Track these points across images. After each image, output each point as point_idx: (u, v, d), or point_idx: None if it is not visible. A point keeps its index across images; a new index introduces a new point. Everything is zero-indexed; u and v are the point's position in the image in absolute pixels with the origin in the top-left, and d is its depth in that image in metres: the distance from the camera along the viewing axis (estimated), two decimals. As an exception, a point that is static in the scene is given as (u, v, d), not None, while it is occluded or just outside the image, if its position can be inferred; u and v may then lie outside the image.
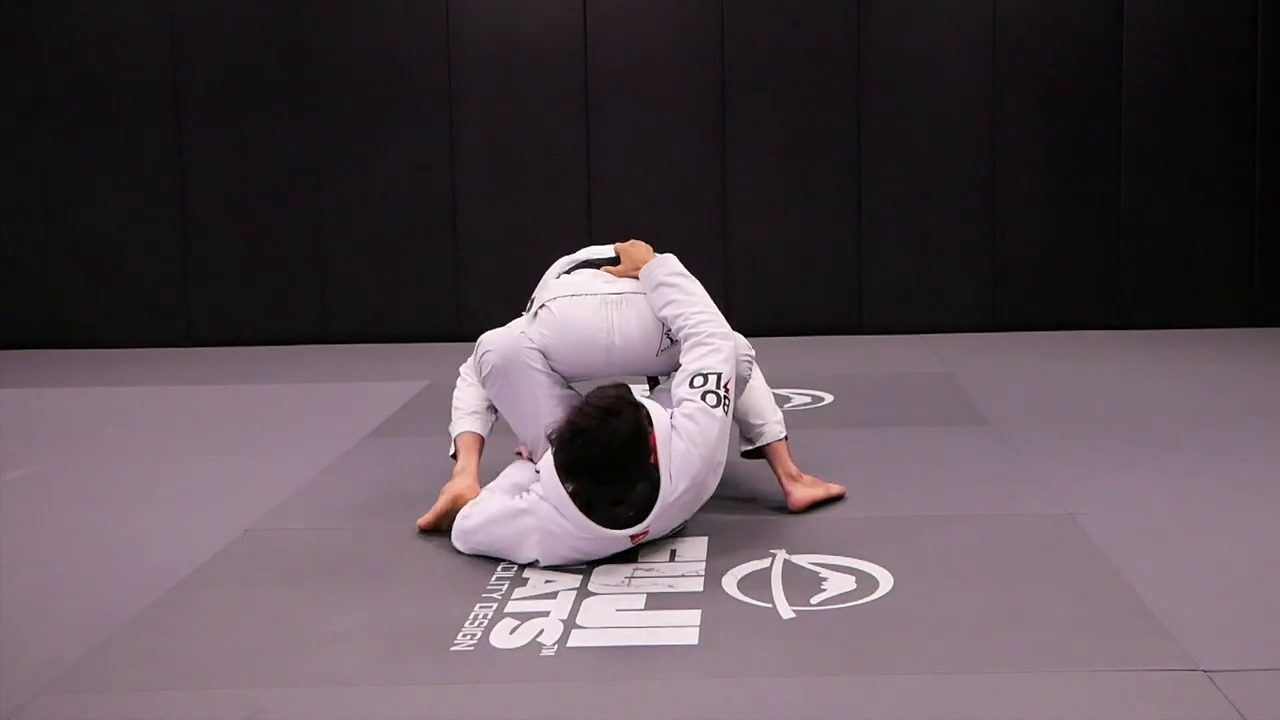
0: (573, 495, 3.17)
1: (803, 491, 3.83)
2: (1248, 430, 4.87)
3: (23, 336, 7.56)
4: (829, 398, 5.64)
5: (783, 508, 3.82)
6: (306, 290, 7.57)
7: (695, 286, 3.65)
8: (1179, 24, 7.32)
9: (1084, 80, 7.37)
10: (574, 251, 4.07)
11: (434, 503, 3.69)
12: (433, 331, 7.47)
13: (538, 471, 3.38)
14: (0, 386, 6.37)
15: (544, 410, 3.64)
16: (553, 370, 3.71)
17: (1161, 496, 3.97)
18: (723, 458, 3.41)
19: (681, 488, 3.27)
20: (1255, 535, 3.57)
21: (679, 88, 7.41)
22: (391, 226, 7.53)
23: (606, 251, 3.94)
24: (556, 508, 3.22)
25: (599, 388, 3.31)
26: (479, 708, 2.56)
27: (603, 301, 3.63)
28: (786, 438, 3.86)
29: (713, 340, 3.49)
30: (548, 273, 3.98)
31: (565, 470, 3.17)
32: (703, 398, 3.36)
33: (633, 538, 3.26)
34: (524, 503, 3.33)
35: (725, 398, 3.38)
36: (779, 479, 3.84)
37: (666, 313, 3.60)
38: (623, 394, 3.25)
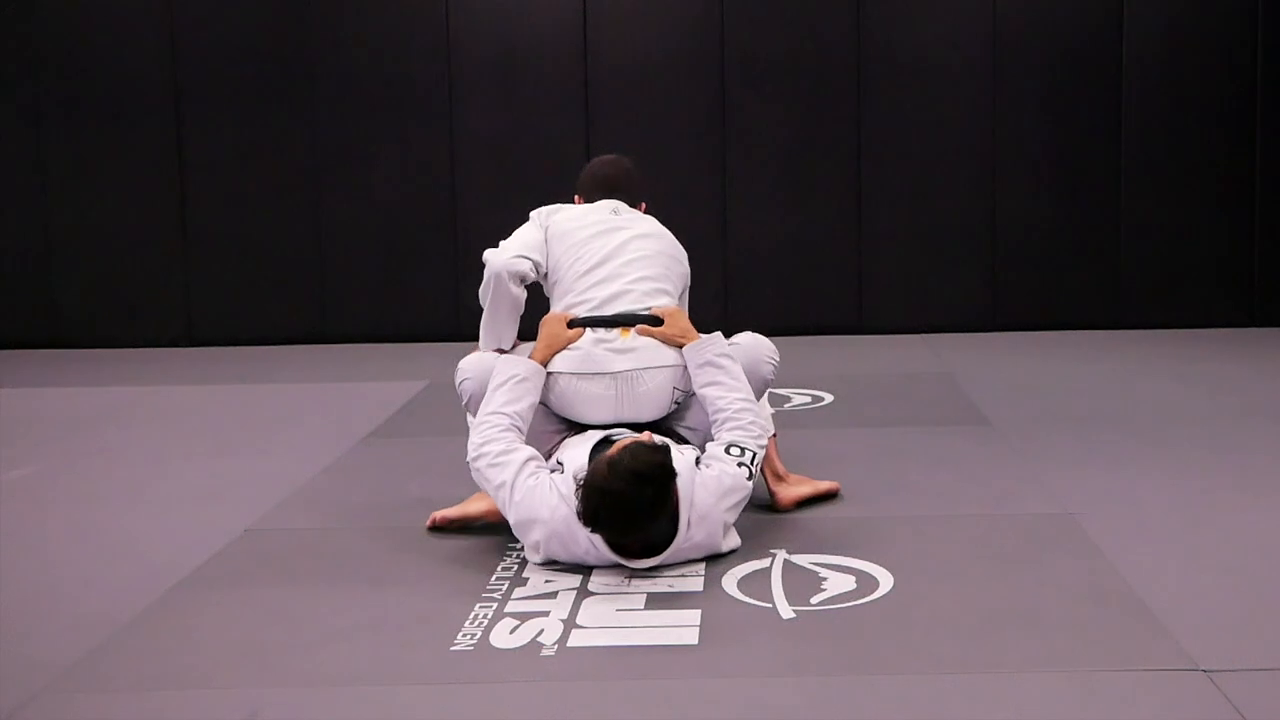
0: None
1: (788, 491, 3.84)
2: (1247, 430, 4.88)
3: (23, 337, 7.56)
4: (829, 397, 5.64)
5: (790, 508, 3.82)
6: (306, 290, 7.57)
7: (739, 370, 3.63)
8: (1179, 24, 7.32)
9: (1084, 80, 7.37)
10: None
11: (437, 501, 3.67)
12: (432, 331, 7.47)
13: (559, 463, 3.40)
14: (0, 386, 6.37)
15: (534, 438, 3.60)
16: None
17: (1161, 496, 3.97)
18: (732, 521, 3.40)
19: (697, 538, 3.29)
20: (1255, 535, 3.57)
21: (679, 88, 7.42)
22: (391, 226, 7.53)
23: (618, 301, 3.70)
24: (572, 512, 3.23)
25: (639, 444, 3.17)
26: (479, 707, 2.56)
27: (613, 379, 3.57)
28: (775, 435, 3.86)
29: (753, 428, 3.52)
30: (567, 256, 3.77)
31: (587, 518, 3.14)
32: (737, 466, 3.40)
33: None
34: (548, 483, 3.31)
35: (753, 475, 3.44)
36: (765, 479, 3.84)
37: (708, 391, 3.59)
38: (662, 461, 3.14)
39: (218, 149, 7.49)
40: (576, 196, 4.04)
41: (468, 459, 3.43)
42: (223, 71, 7.45)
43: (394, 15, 7.41)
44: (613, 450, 3.17)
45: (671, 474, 3.16)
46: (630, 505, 3.10)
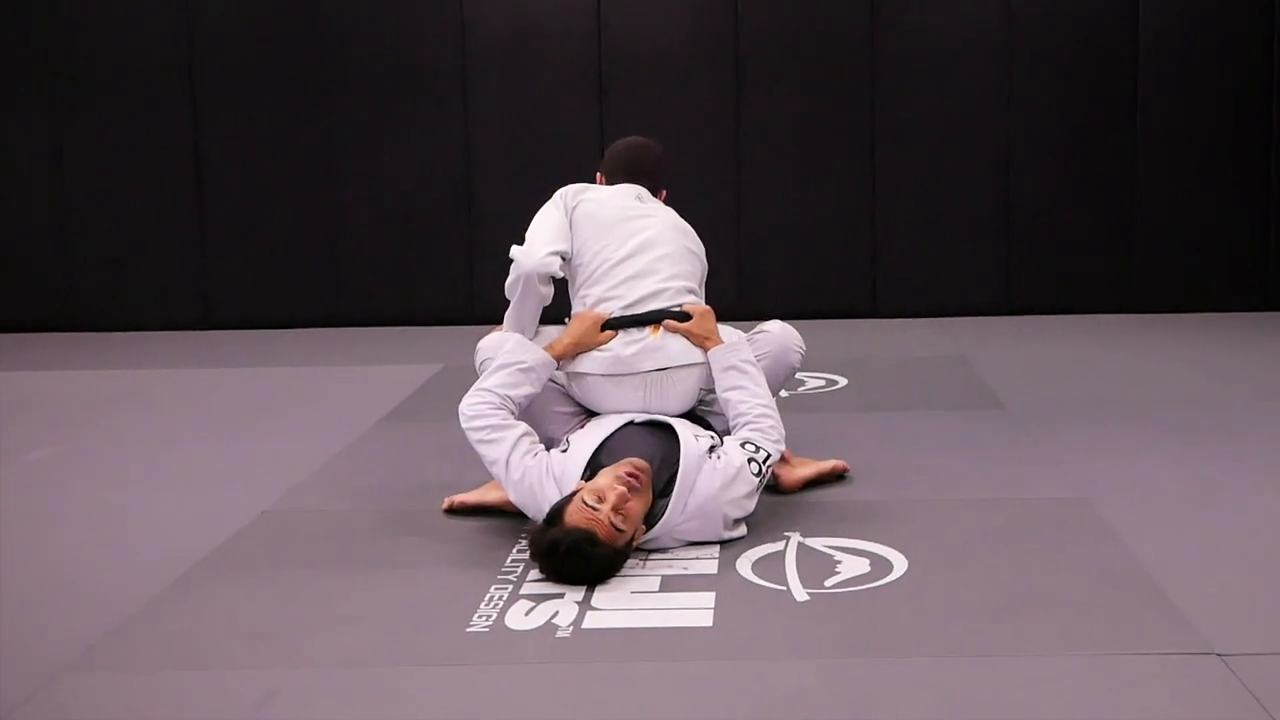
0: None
1: (792, 473, 3.85)
2: (1262, 414, 4.86)
3: (42, 319, 7.59)
4: (843, 381, 5.64)
5: (795, 490, 3.83)
6: (323, 274, 7.59)
7: (762, 378, 3.64)
8: (1195, 8, 7.28)
9: (1099, 64, 7.34)
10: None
11: (452, 484, 3.67)
12: (448, 315, 7.48)
13: (564, 451, 3.42)
14: (21, 369, 6.41)
15: (547, 418, 3.64)
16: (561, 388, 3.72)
17: (1176, 480, 3.97)
18: (740, 518, 3.39)
19: (692, 524, 3.30)
20: (1269, 519, 3.56)
21: (693, 71, 7.40)
22: (407, 211, 7.54)
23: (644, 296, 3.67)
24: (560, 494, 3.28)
25: (581, 533, 3.06)
26: (494, 688, 2.57)
27: (643, 379, 3.57)
28: None
29: (772, 432, 3.53)
30: (590, 261, 3.70)
31: (535, 559, 3.13)
32: (748, 461, 3.40)
33: None
34: (545, 464, 3.35)
35: (763, 473, 3.44)
36: None
37: (731, 395, 3.58)
38: (597, 554, 3.07)
39: (234, 133, 7.51)
40: (600, 175, 4.01)
41: (461, 424, 3.46)
42: (238, 56, 7.45)
43: (409, 0, 7.42)
44: (558, 526, 3.09)
45: (612, 562, 3.10)
46: (570, 575, 3.07)
